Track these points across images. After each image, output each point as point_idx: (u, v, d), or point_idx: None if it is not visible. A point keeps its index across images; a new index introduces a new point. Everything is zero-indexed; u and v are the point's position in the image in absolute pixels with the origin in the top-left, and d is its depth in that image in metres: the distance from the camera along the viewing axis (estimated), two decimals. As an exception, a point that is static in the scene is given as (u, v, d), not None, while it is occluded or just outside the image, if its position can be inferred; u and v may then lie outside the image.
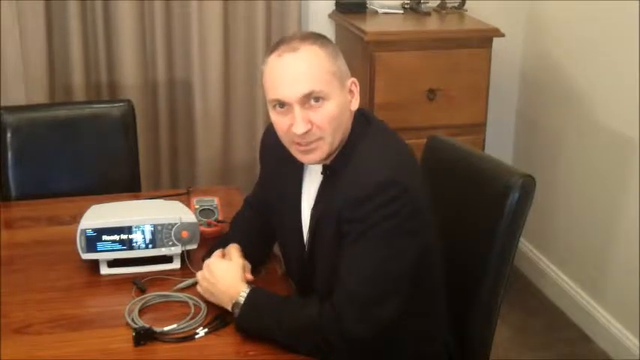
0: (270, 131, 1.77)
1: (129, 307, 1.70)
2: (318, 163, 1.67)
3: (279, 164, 1.78)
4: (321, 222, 1.67)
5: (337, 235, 1.61)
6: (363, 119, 1.69)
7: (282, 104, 1.60)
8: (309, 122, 1.58)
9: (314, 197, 1.71)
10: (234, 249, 1.81)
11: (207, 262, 1.76)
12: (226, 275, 1.70)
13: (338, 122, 1.61)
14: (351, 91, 1.65)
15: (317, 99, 1.57)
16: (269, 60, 1.62)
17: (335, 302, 1.56)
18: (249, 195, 2.04)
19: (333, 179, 1.66)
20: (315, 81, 1.57)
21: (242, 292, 1.64)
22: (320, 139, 1.60)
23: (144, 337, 1.60)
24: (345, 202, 1.58)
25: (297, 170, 1.75)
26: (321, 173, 1.69)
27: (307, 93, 1.56)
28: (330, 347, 1.56)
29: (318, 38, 1.63)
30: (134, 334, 1.60)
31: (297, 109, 1.57)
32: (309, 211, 1.71)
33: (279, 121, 1.62)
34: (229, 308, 1.66)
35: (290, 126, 1.60)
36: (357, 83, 1.66)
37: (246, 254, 1.81)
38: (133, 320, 1.66)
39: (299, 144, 1.62)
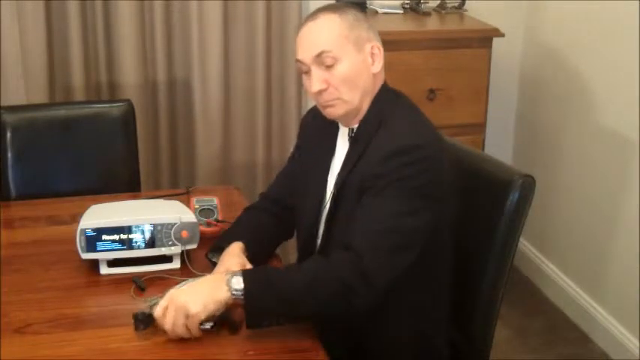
0: (311, 110, 1.96)
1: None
2: (341, 118, 1.77)
3: (317, 135, 1.88)
4: (346, 185, 1.73)
5: (359, 195, 1.67)
6: (392, 92, 1.80)
7: (305, 66, 1.72)
8: (325, 82, 1.70)
9: (342, 162, 1.78)
10: (237, 247, 1.81)
11: (165, 302, 1.58)
12: (197, 285, 1.61)
13: (353, 82, 1.71)
14: (372, 54, 1.74)
15: (330, 61, 1.68)
16: (299, 28, 1.77)
17: (356, 248, 1.60)
18: (266, 190, 2.08)
19: (360, 144, 1.73)
20: (325, 43, 1.69)
21: (229, 276, 1.57)
22: (337, 98, 1.71)
23: (143, 322, 1.60)
24: (372, 162, 1.67)
25: (332, 138, 1.84)
26: (348, 139, 1.77)
27: (318, 53, 1.69)
28: (351, 292, 1.58)
29: (341, 8, 1.75)
30: (134, 319, 1.60)
31: (313, 69, 1.70)
32: (336, 174, 1.78)
33: (306, 83, 1.75)
34: (228, 295, 1.57)
35: (311, 86, 1.72)
36: (381, 48, 1.75)
37: (251, 253, 1.80)
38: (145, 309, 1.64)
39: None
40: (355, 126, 1.77)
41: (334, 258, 1.61)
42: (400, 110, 1.76)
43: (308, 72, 1.72)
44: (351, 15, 1.73)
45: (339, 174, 1.76)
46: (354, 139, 1.77)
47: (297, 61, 1.74)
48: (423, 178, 1.64)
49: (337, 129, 1.84)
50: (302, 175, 1.90)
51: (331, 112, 1.75)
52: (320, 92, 1.70)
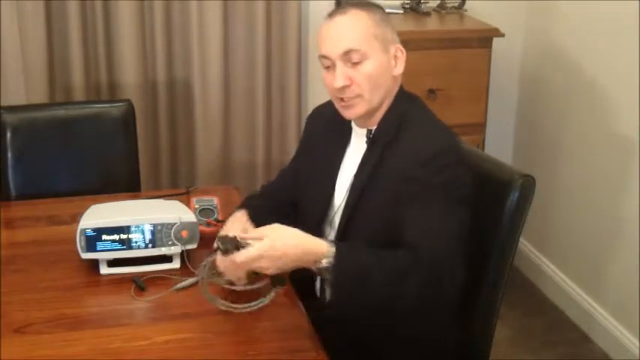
0: (319, 108, 1.96)
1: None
2: (358, 118, 1.75)
3: (326, 135, 1.87)
4: (367, 186, 1.71)
5: (392, 200, 1.66)
6: (408, 95, 1.80)
7: (328, 61, 1.70)
8: (349, 79, 1.69)
9: (357, 163, 1.76)
10: (241, 213, 1.81)
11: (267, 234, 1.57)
12: (295, 240, 1.58)
13: (376, 82, 1.71)
14: (396, 57, 1.75)
15: (357, 58, 1.68)
16: (324, 21, 1.74)
17: (426, 259, 1.56)
18: (267, 184, 2.09)
19: (379, 145, 1.73)
20: (354, 40, 1.68)
21: (328, 252, 1.55)
22: (358, 96, 1.70)
23: (228, 245, 1.55)
24: (402, 166, 1.66)
25: (343, 138, 1.83)
26: (366, 140, 1.76)
27: (346, 50, 1.68)
28: (427, 294, 1.57)
29: (369, 6, 1.74)
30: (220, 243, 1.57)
31: (338, 65, 1.69)
32: (349, 176, 1.77)
33: (327, 78, 1.73)
34: (311, 267, 1.57)
35: (334, 82, 1.71)
36: (404, 51, 1.76)
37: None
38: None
39: (341, 99, 1.72)
40: (373, 127, 1.76)
41: (417, 264, 1.57)
42: (419, 113, 1.77)
43: (330, 67, 1.71)
44: (379, 14, 1.74)
45: (357, 175, 1.75)
46: (372, 140, 1.75)
47: (322, 56, 1.72)
48: (460, 180, 1.66)
49: (350, 130, 1.82)
50: (307, 175, 1.89)
51: (351, 114, 1.74)
52: (343, 88, 1.69)
